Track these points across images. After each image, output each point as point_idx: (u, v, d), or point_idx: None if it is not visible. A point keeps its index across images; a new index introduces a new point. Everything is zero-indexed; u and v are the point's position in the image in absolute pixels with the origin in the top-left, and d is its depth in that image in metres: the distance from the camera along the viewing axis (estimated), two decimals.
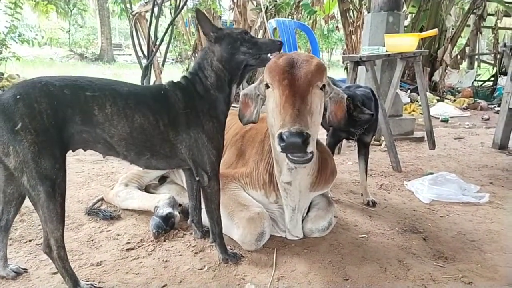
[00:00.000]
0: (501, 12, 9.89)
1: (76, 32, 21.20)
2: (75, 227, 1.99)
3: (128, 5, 5.36)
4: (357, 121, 2.18)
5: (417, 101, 7.12)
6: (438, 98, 8.21)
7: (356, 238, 1.96)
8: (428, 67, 8.81)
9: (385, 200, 2.56)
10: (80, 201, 2.33)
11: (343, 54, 8.23)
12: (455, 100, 8.07)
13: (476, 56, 11.09)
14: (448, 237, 2.01)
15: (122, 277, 1.55)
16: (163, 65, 5.73)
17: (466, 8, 9.39)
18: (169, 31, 5.01)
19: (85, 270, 1.59)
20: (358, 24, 7.84)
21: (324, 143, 2.27)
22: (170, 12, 6.20)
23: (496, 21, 10.04)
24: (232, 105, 1.64)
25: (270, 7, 8.50)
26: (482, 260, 1.77)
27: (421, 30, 8.34)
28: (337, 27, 12.05)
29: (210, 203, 1.63)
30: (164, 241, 1.86)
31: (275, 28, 6.00)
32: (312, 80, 1.48)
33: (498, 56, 9.54)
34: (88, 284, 1.43)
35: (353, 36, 7.99)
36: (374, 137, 3.36)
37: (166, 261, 1.68)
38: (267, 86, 1.57)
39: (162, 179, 2.45)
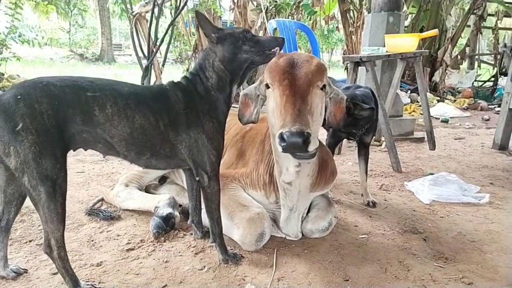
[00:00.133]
0: (501, 12, 9.90)
1: (77, 32, 21.20)
2: (75, 227, 1.99)
3: (128, 6, 5.36)
4: (359, 120, 2.17)
5: (417, 102, 7.12)
6: (438, 98, 8.21)
7: (356, 239, 1.96)
8: (428, 67, 8.81)
9: (386, 200, 2.56)
10: (80, 201, 2.33)
11: (343, 54, 8.24)
12: (455, 101, 8.07)
13: (477, 57, 11.09)
14: (448, 238, 2.01)
15: (122, 277, 1.55)
16: (163, 65, 5.73)
17: (467, 8, 9.40)
18: (169, 32, 5.01)
19: (85, 271, 1.59)
20: (358, 24, 7.83)
21: (324, 144, 2.27)
22: (171, 13, 6.20)
23: (496, 22, 10.05)
24: (232, 105, 1.64)
25: (270, 7, 8.52)
26: (482, 261, 1.77)
27: (421, 31, 8.34)
28: (337, 27, 12.06)
29: (210, 204, 1.63)
30: (164, 241, 1.86)
31: (275, 29, 6.00)
32: (312, 80, 1.48)
33: (498, 57, 9.54)
34: (88, 285, 1.43)
35: (353, 36, 7.99)
36: (374, 137, 3.36)
37: (166, 262, 1.68)
38: (267, 87, 1.57)
39: (162, 180, 2.45)
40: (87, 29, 21.86)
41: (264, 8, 7.80)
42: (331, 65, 17.41)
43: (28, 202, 1.36)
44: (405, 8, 7.03)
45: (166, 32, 4.97)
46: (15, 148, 1.20)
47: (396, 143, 3.63)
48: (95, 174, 2.88)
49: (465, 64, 10.69)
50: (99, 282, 1.51)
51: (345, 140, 2.77)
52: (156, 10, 4.54)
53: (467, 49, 10.08)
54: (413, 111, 6.74)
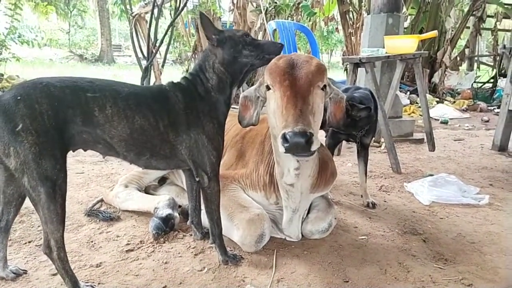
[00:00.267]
0: (500, 14, 9.92)
1: (76, 33, 21.23)
2: (75, 228, 1.98)
3: (128, 7, 5.37)
4: (357, 122, 2.18)
5: (416, 103, 7.13)
6: (437, 99, 8.22)
7: (356, 240, 1.95)
8: (428, 68, 8.82)
9: (385, 201, 2.56)
10: (79, 202, 2.33)
11: (343, 55, 8.26)
12: (454, 102, 8.08)
13: (476, 58, 11.10)
14: (448, 239, 2.01)
15: (121, 278, 1.55)
16: (163, 66, 5.75)
17: (466, 10, 9.40)
18: (169, 33, 5.03)
19: (85, 271, 1.58)
20: (357, 25, 7.84)
21: (324, 144, 2.27)
22: (170, 14, 6.22)
23: (495, 23, 10.06)
24: (232, 106, 1.64)
25: (270, 8, 8.52)
26: (482, 262, 1.77)
27: (420, 32, 8.35)
28: (336, 28, 12.07)
29: (210, 204, 1.63)
30: (164, 242, 1.85)
31: (275, 30, 6.01)
32: (313, 80, 1.48)
33: (498, 58, 9.57)
34: (87, 285, 1.43)
35: (352, 37, 8.00)
36: (373, 138, 3.36)
37: (165, 263, 1.68)
38: (267, 88, 1.57)
39: (162, 180, 2.45)
40: (86, 30, 21.90)
41: (264, 9, 7.80)
42: (331, 66, 17.45)
43: (27, 202, 1.36)
44: (404, 9, 7.04)
45: (166, 33, 4.98)
46: (15, 148, 1.20)
47: (396, 144, 3.63)
48: (95, 175, 2.88)
49: (464, 66, 10.71)
50: (99, 283, 1.51)
51: (344, 141, 2.77)
52: (155, 11, 4.55)
53: (467, 50, 10.10)
54: (413, 112, 6.75)
